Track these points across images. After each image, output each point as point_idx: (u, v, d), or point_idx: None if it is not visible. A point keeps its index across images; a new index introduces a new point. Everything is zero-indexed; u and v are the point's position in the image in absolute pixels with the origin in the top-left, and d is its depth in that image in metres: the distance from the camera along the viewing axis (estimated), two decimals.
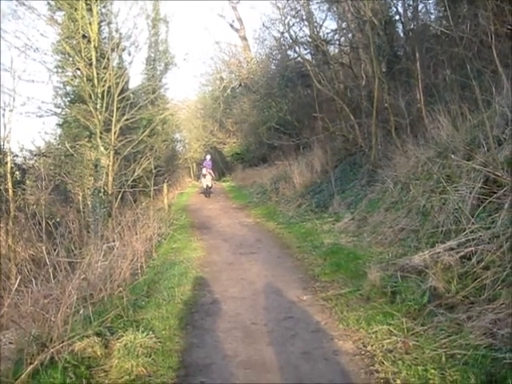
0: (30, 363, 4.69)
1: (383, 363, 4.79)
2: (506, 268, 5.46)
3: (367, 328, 5.67)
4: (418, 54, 12.10)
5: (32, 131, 26.60)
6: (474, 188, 7.17)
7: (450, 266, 6.11)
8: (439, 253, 6.50)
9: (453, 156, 8.08)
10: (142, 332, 5.80)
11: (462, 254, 6.24)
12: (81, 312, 6.52)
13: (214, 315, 6.89)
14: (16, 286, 6.00)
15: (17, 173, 16.19)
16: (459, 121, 9.29)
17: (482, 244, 6.10)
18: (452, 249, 6.46)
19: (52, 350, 5.02)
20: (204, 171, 26.67)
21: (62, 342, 5.21)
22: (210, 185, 26.64)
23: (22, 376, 4.27)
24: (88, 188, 16.65)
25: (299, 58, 20.26)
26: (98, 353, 5.42)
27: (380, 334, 5.41)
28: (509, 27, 9.46)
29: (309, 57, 19.67)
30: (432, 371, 4.39)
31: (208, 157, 28.09)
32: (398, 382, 4.42)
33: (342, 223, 11.57)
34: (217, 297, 7.76)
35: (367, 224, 10.48)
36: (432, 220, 7.94)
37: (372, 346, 5.24)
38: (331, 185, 14.56)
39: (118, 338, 5.70)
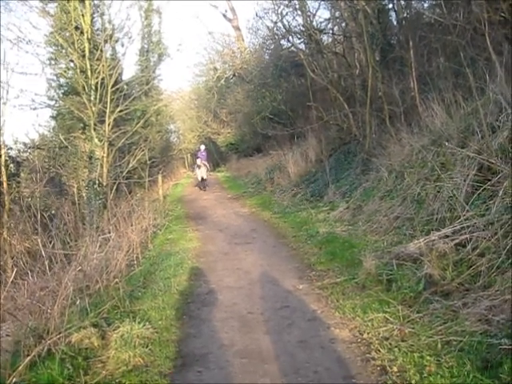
0: (28, 355, 4.69)
1: (379, 351, 4.82)
2: (501, 255, 5.48)
3: (363, 316, 5.69)
4: (411, 43, 12.08)
5: (26, 124, 26.50)
6: (468, 175, 7.19)
7: (445, 254, 6.13)
8: (434, 240, 6.52)
9: (447, 144, 8.09)
10: (139, 323, 5.81)
11: (457, 241, 6.26)
12: (77, 303, 6.52)
13: (211, 305, 6.91)
14: (12, 278, 5.99)
15: (11, 165, 16.12)
16: (453, 108, 9.29)
17: (477, 231, 6.12)
18: (447, 236, 6.48)
19: (49, 341, 5.03)
20: (199, 162, 25.39)
21: (59, 333, 5.21)
22: (205, 177, 25.45)
23: (20, 367, 4.28)
24: (83, 180, 16.63)
25: (293, 48, 20.20)
26: (95, 344, 5.43)
27: (376, 322, 5.44)
28: (502, 15, 9.44)
29: (302, 46, 19.61)
30: (428, 358, 4.41)
31: (202, 147, 27.14)
32: (395, 369, 4.44)
33: (337, 212, 11.58)
34: (213, 287, 7.78)
35: (362, 213, 10.49)
36: (427, 208, 7.96)
37: (368, 333, 5.27)
38: (326, 174, 14.56)
39: (114, 329, 5.71)
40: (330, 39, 19.72)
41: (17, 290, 6.81)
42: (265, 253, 9.80)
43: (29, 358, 4.54)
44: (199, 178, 25.51)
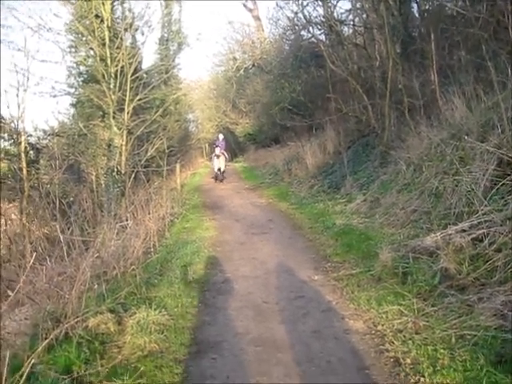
0: (46, 338, 4.76)
1: (393, 343, 4.84)
2: None
3: (378, 308, 5.71)
4: (432, 35, 11.96)
5: (46, 111, 26.63)
6: (487, 170, 7.14)
7: (462, 248, 6.12)
8: (451, 234, 6.51)
9: (466, 138, 8.04)
10: (155, 309, 5.88)
11: (474, 235, 6.24)
12: (94, 289, 6.61)
13: (226, 294, 6.96)
14: (31, 263, 6.07)
15: (31, 152, 16.22)
16: (473, 102, 9.21)
17: (495, 226, 6.09)
18: (464, 231, 6.45)
19: (66, 325, 5.10)
20: (217, 151, 23.64)
21: (76, 317, 5.28)
22: (222, 168, 23.81)
23: (38, 350, 4.34)
24: (101, 167, 16.72)
25: (313, 39, 20.06)
26: (112, 329, 5.52)
27: (390, 314, 5.45)
28: None
29: (322, 37, 19.47)
30: (442, 351, 4.42)
31: (221, 136, 25.39)
32: (408, 361, 4.46)
33: (354, 204, 11.56)
34: (228, 276, 7.83)
35: (379, 205, 10.46)
36: (444, 202, 7.92)
37: (382, 325, 5.29)
38: (344, 166, 14.52)
39: (130, 315, 5.79)
40: (351, 30, 19.55)
41: (35, 275, 6.91)
42: (281, 243, 9.82)
43: (47, 340, 4.61)
44: (215, 169, 24.16)
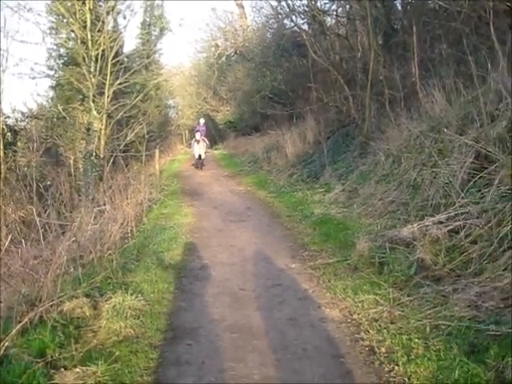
0: (20, 321, 4.72)
1: (368, 331, 4.88)
2: (493, 243, 5.54)
3: (354, 297, 5.75)
4: (415, 28, 11.99)
5: (24, 93, 26.34)
6: (465, 163, 7.21)
7: (438, 239, 6.18)
8: (428, 226, 6.57)
9: (445, 130, 8.10)
10: (131, 294, 5.86)
11: (451, 227, 6.31)
12: (70, 273, 6.57)
13: (203, 280, 6.96)
14: (6, 246, 6.01)
15: (8, 134, 16.08)
16: (453, 96, 9.28)
17: (471, 218, 6.16)
18: (441, 222, 6.52)
19: (41, 309, 5.06)
20: (197, 137, 22.72)
21: (52, 301, 5.24)
22: (203, 155, 22.84)
23: (12, 333, 4.31)
24: (80, 151, 16.61)
25: (296, 28, 20.04)
26: (87, 313, 5.48)
27: (366, 303, 5.49)
28: (507, 4, 9.39)
29: (305, 27, 19.42)
30: (416, 340, 4.46)
31: (202, 121, 25.02)
32: (383, 350, 4.50)
33: (333, 194, 11.59)
34: (206, 262, 7.83)
35: (357, 195, 10.51)
36: (422, 193, 7.98)
37: (358, 314, 5.33)
38: (323, 156, 14.56)
39: (106, 300, 5.76)
40: (334, 21, 19.55)
41: (10, 258, 6.83)
42: (259, 231, 9.83)
43: (21, 324, 4.57)
44: (196, 155, 22.98)
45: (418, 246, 6.18)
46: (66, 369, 4.28)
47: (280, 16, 22.11)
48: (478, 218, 6.11)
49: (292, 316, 5.48)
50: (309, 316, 5.49)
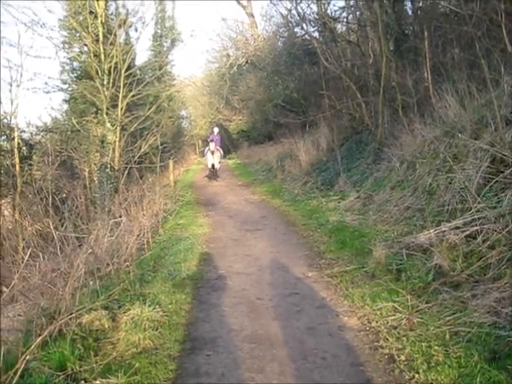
0: (40, 334, 4.75)
1: (388, 339, 4.85)
2: None
3: (372, 305, 5.73)
4: (426, 33, 12.00)
5: (39, 107, 26.63)
6: (480, 167, 7.17)
7: (456, 245, 6.15)
8: (445, 231, 6.54)
9: (460, 135, 8.07)
10: (149, 306, 5.87)
11: (468, 232, 6.26)
12: (88, 286, 6.61)
13: (220, 290, 6.96)
14: (25, 260, 6.05)
15: (24, 148, 16.23)
16: (467, 100, 9.23)
17: (488, 223, 6.12)
18: (458, 228, 6.48)
19: (60, 322, 5.09)
20: (212, 147, 21.49)
21: (70, 314, 5.27)
22: (216, 165, 21.94)
23: (32, 346, 4.33)
24: (94, 164, 16.74)
25: (306, 36, 20.13)
26: (106, 326, 5.51)
27: (385, 311, 5.47)
28: None
29: (316, 34, 19.48)
30: (436, 348, 4.44)
31: (216, 130, 23.29)
32: (403, 357, 4.47)
33: (348, 201, 11.57)
34: (222, 272, 7.83)
35: (373, 202, 10.48)
36: (438, 199, 7.94)
37: (377, 322, 5.30)
38: (337, 163, 14.54)
39: (124, 312, 5.78)
40: (345, 28, 19.63)
41: (29, 272, 6.89)
42: (275, 240, 9.82)
43: (41, 337, 4.59)
44: (209, 165, 22.16)
45: (435, 251, 6.14)
46: (86, 381, 4.31)
47: (290, 24, 22.22)
48: (495, 222, 6.07)
49: (310, 325, 5.46)
50: (327, 324, 5.47)
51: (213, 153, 21.68)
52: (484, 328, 4.52)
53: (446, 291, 5.45)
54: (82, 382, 4.30)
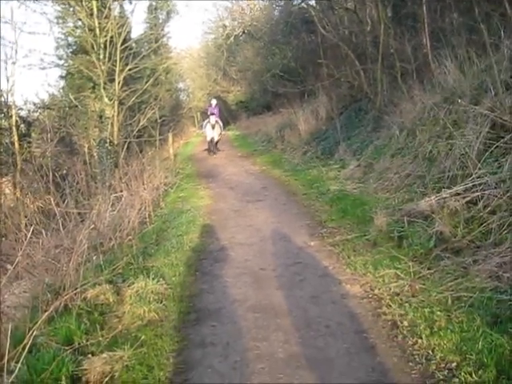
0: (45, 310, 4.80)
1: (390, 306, 4.89)
2: None
3: (374, 272, 5.76)
4: None
5: (35, 84, 26.48)
6: (480, 133, 7.13)
7: (457, 211, 6.16)
8: (445, 198, 6.54)
9: (459, 101, 8.02)
10: (153, 279, 5.91)
11: (469, 198, 6.26)
12: (92, 261, 6.65)
13: (223, 261, 6.99)
14: (28, 237, 6.08)
15: (22, 126, 16.21)
16: (466, 65, 9.15)
17: (489, 189, 6.11)
18: (458, 194, 6.48)
19: (65, 297, 5.13)
20: (212, 120, 20.85)
21: (75, 289, 5.33)
22: (216, 138, 21.32)
23: (39, 322, 4.38)
24: (94, 139, 16.71)
25: (303, 4, 19.93)
26: (111, 300, 5.56)
27: (387, 278, 5.50)
28: None
29: (313, 2, 19.31)
30: (438, 313, 4.47)
31: (214, 102, 22.49)
32: (405, 323, 4.51)
33: (348, 170, 11.57)
34: (225, 244, 7.85)
35: (373, 170, 10.47)
36: (438, 165, 7.91)
37: (379, 289, 5.34)
38: (337, 132, 14.51)
39: (129, 285, 5.82)
40: None
41: (32, 249, 6.92)
42: (276, 210, 9.84)
43: (47, 313, 4.64)
44: (208, 139, 21.54)
45: (437, 218, 6.16)
46: (93, 355, 4.35)
47: None
48: (495, 188, 6.06)
49: (313, 294, 5.50)
50: (330, 293, 5.51)
51: (213, 127, 21.06)
52: (486, 293, 4.55)
53: (448, 257, 5.47)
54: (90, 355, 4.34)
